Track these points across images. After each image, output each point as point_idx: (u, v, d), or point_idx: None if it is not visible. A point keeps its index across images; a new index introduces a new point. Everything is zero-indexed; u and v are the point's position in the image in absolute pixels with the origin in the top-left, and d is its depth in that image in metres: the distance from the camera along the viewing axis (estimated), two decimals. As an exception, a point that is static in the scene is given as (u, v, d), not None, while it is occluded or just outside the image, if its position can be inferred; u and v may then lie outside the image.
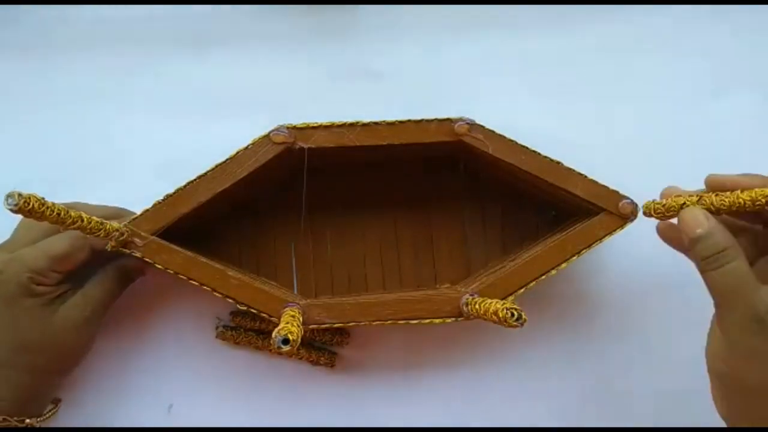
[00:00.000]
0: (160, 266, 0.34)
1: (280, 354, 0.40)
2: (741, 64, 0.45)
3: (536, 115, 0.44)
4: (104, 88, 0.44)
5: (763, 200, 0.29)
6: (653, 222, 0.36)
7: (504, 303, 0.29)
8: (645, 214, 0.35)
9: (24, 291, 0.33)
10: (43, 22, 0.44)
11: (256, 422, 0.41)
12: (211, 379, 0.41)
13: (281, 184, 0.41)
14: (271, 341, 0.27)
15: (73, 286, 0.36)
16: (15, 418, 0.34)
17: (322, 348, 0.41)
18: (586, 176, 0.37)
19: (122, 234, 0.33)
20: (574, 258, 0.36)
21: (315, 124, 0.36)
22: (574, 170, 0.37)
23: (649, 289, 0.43)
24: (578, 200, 0.37)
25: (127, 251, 0.34)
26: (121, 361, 0.41)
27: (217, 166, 0.36)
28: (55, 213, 0.28)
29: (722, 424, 0.31)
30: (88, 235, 0.32)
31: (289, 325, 0.28)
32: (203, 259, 0.35)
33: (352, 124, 0.36)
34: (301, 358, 0.41)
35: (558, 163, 0.37)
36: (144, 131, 0.43)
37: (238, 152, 0.36)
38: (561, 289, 0.43)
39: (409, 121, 0.37)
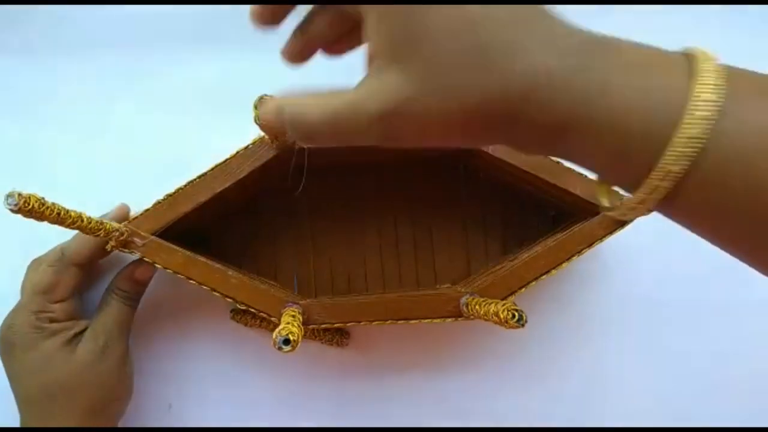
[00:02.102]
0: (160, 266, 0.34)
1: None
2: (742, 65, 0.45)
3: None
4: (104, 88, 0.44)
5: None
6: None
7: (505, 304, 0.29)
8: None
9: (39, 333, 0.34)
10: (42, 23, 0.44)
11: (255, 423, 0.41)
12: (209, 378, 0.41)
13: (281, 184, 0.41)
14: (272, 342, 0.27)
15: (90, 322, 0.37)
16: None
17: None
18: (585, 176, 0.37)
19: (122, 234, 0.33)
20: (574, 258, 0.36)
21: (315, 124, 0.36)
22: (573, 170, 0.37)
23: (649, 288, 0.43)
24: (578, 200, 0.37)
25: (127, 251, 0.34)
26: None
27: (217, 166, 0.36)
28: (54, 213, 0.28)
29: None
30: (70, 257, 0.34)
31: (290, 325, 0.28)
32: (203, 259, 0.35)
33: (352, 124, 0.36)
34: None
35: (558, 163, 0.37)
36: (144, 131, 0.43)
37: (238, 152, 0.36)
38: (561, 289, 0.43)
39: (409, 121, 0.37)
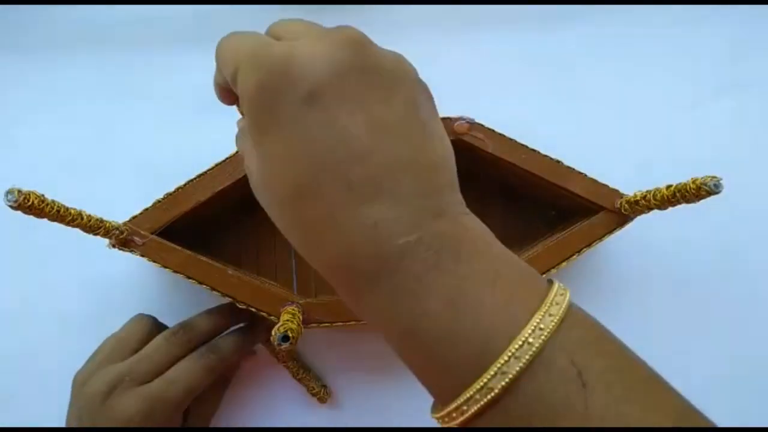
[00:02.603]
0: (160, 265, 0.34)
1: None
2: (742, 65, 0.45)
3: (536, 114, 0.44)
4: (103, 88, 0.44)
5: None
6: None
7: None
8: None
9: None
10: (41, 22, 0.44)
11: (255, 422, 0.41)
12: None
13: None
14: (271, 338, 0.27)
15: None
16: None
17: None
18: (585, 175, 0.37)
19: (122, 232, 0.33)
20: (575, 257, 0.36)
21: (315, 124, 0.36)
22: (574, 169, 0.37)
23: (650, 288, 0.43)
24: (578, 199, 0.37)
25: (127, 250, 0.34)
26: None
27: (216, 166, 0.36)
28: (54, 210, 0.28)
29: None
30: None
31: (289, 322, 0.28)
32: (203, 258, 0.35)
33: (352, 124, 0.36)
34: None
35: (558, 162, 0.37)
36: (144, 131, 0.43)
37: (238, 152, 0.36)
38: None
39: (409, 120, 0.37)
